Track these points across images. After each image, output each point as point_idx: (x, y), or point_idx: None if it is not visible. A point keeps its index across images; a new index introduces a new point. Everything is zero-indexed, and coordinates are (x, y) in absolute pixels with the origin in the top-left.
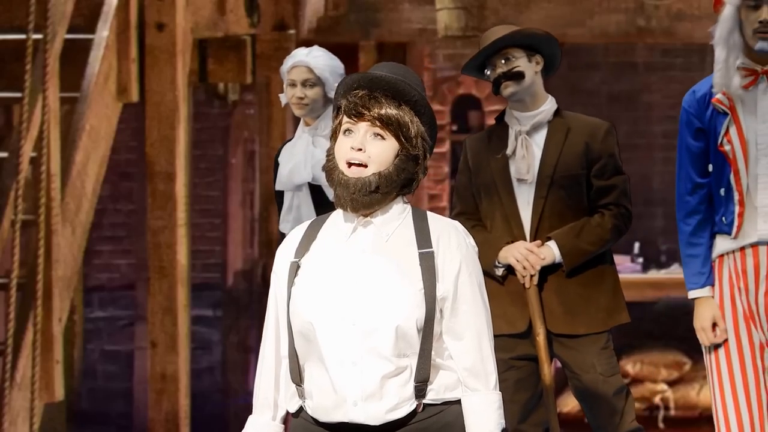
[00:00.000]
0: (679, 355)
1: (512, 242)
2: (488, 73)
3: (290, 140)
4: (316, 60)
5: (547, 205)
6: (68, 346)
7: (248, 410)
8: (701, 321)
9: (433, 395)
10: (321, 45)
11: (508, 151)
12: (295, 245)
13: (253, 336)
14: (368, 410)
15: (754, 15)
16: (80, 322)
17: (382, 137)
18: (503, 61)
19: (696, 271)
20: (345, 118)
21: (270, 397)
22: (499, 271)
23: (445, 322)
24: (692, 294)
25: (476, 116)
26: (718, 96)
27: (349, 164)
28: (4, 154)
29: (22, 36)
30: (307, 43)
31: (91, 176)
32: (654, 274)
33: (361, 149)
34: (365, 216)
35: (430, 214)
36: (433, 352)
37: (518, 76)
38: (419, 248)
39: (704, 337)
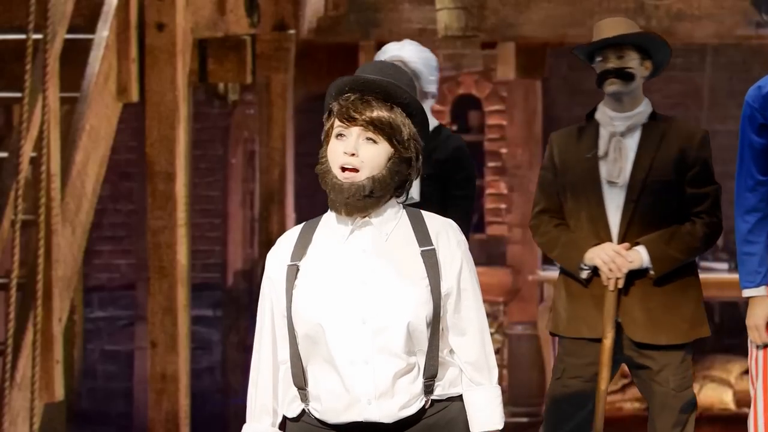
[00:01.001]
0: None
1: (599, 244)
2: (598, 60)
3: None
4: (410, 54)
5: (637, 210)
6: (68, 346)
7: None
8: (755, 319)
9: (439, 391)
10: (321, 45)
11: (600, 152)
12: (289, 249)
13: (253, 336)
14: (382, 408)
15: None
16: (80, 322)
17: (375, 141)
18: (617, 57)
19: (752, 269)
20: (337, 122)
21: (268, 403)
22: (585, 273)
23: (449, 318)
24: (747, 293)
25: (476, 116)
26: None
27: (343, 169)
28: (4, 154)
29: (22, 36)
30: (307, 43)
31: (91, 176)
32: None
33: (354, 154)
34: (362, 217)
35: (424, 212)
36: (440, 350)
37: (629, 77)
38: (420, 246)
39: (756, 336)
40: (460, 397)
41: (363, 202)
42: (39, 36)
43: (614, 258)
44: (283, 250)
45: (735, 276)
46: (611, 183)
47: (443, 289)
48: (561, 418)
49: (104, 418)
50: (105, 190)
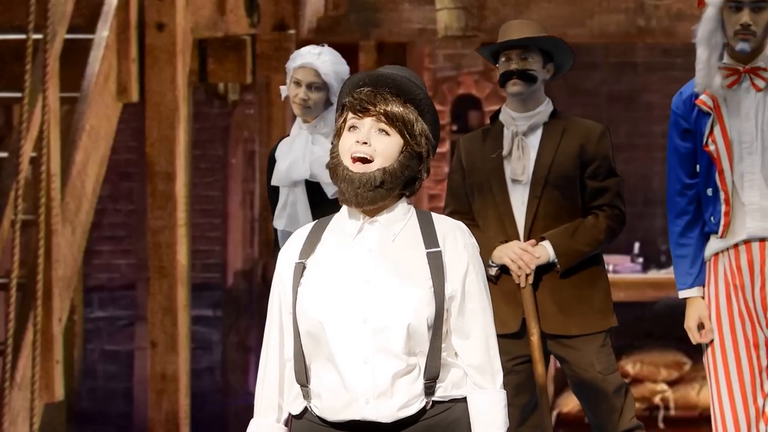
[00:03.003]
0: (679, 355)
1: (506, 242)
2: (502, 60)
3: (287, 137)
4: (325, 65)
5: (541, 206)
6: (68, 346)
7: (248, 410)
8: (688, 321)
9: (441, 392)
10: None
11: (504, 152)
12: (299, 247)
13: (253, 336)
14: (380, 408)
15: (736, 17)
16: (80, 322)
17: (387, 133)
18: (521, 59)
19: (685, 271)
20: (350, 115)
21: (274, 399)
22: (493, 271)
23: (453, 321)
24: (682, 294)
25: (476, 116)
26: (702, 97)
27: (354, 159)
28: (4, 154)
29: (22, 36)
30: (307, 43)
31: (91, 176)
32: (654, 274)
33: (366, 143)
34: (371, 216)
35: (434, 214)
36: (443, 352)
37: (531, 79)
38: (426, 248)
39: (691, 337)
40: (464, 399)
41: (374, 193)
42: (39, 36)
43: (521, 255)
44: (293, 247)
45: None
46: (515, 181)
47: (447, 292)
48: (511, 415)
49: (104, 418)
50: (105, 190)
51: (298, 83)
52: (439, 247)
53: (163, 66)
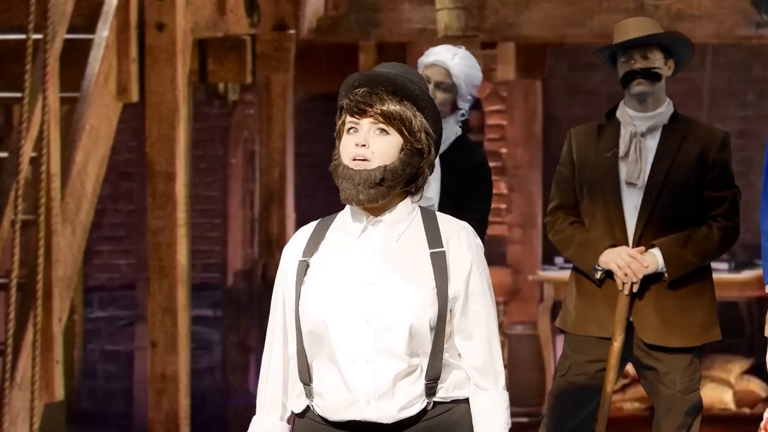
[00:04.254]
0: None
1: (614, 246)
2: (622, 61)
3: None
4: (457, 66)
5: (654, 213)
6: (68, 346)
7: (248, 410)
8: None
9: (443, 393)
10: (321, 45)
11: (621, 152)
12: (302, 245)
13: (253, 336)
14: (381, 408)
15: None
16: (80, 322)
17: (386, 132)
18: (642, 57)
19: None
20: (348, 117)
21: (278, 397)
22: (598, 275)
23: (456, 322)
24: None
25: (476, 116)
26: None
27: (354, 160)
28: (4, 154)
29: (22, 36)
30: (307, 43)
31: (91, 176)
32: None
33: (364, 145)
34: (375, 215)
35: (439, 214)
36: (445, 352)
37: (656, 77)
38: (430, 248)
39: None
40: (465, 400)
41: (375, 190)
42: (39, 36)
43: (630, 263)
44: (297, 245)
45: (735, 276)
46: (630, 184)
47: (450, 292)
48: (564, 416)
49: (104, 418)
50: (105, 190)
51: (427, 80)
52: (443, 247)
53: (163, 66)
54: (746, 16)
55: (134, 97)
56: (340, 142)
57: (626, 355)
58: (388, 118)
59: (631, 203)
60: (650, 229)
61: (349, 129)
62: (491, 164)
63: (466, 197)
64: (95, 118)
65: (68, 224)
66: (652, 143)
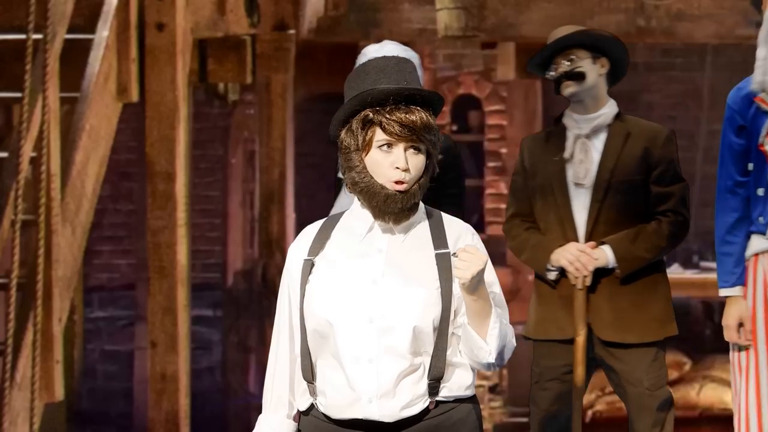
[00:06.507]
0: (679, 355)
1: (564, 245)
2: (552, 72)
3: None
4: (392, 53)
5: (602, 210)
6: (68, 346)
7: (248, 410)
8: (728, 319)
9: (445, 392)
10: (321, 45)
11: (566, 155)
12: (308, 244)
13: (253, 336)
14: (383, 407)
15: None
16: (80, 322)
17: (419, 150)
18: (567, 62)
19: (728, 269)
20: (382, 134)
21: (284, 395)
22: (552, 275)
23: (460, 322)
24: (723, 292)
25: (476, 116)
26: (762, 95)
27: (396, 183)
28: (4, 154)
29: (22, 36)
30: (307, 43)
31: (91, 176)
32: None
33: (407, 169)
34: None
35: (444, 215)
36: (448, 351)
37: (579, 77)
38: (435, 249)
39: (728, 336)
40: (468, 399)
41: (411, 210)
42: (39, 36)
43: (579, 257)
44: (302, 244)
45: None
46: (578, 184)
47: (455, 293)
48: (545, 422)
49: (104, 418)
50: (105, 190)
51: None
52: (448, 248)
53: (163, 66)
54: (746, 16)
55: (134, 97)
56: (364, 154)
57: (591, 354)
58: (425, 138)
59: (580, 203)
60: (600, 228)
61: (382, 146)
62: (491, 164)
63: (440, 183)
64: (95, 118)
65: (68, 224)
66: (597, 144)
